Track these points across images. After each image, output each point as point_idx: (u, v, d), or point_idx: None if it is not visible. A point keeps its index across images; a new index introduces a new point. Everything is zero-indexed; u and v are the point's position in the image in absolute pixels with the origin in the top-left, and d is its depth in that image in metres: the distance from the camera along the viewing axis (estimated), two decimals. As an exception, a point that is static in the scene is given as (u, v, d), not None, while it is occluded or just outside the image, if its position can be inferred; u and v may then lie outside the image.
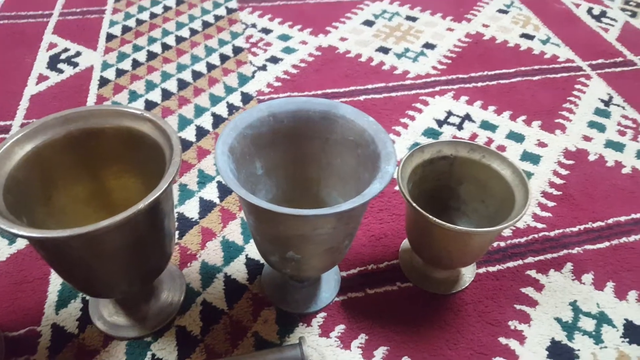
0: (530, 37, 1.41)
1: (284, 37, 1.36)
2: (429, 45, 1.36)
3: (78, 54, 1.27)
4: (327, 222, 0.59)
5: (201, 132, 1.06)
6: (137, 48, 1.30)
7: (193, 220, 0.89)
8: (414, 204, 0.68)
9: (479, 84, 1.23)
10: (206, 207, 0.92)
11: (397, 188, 0.96)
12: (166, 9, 1.47)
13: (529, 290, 0.81)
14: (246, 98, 1.15)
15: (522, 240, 0.88)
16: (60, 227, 0.51)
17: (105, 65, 1.24)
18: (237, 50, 1.30)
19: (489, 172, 0.75)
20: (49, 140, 0.63)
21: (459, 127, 1.11)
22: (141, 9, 1.46)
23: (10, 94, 1.15)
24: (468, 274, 0.82)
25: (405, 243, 0.87)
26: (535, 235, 0.89)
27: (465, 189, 0.79)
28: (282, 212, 0.55)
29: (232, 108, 1.12)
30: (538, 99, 1.19)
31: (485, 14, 1.51)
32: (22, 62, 1.24)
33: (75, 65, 1.24)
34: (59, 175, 0.66)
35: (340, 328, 0.75)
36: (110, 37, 1.34)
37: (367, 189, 0.60)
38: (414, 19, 1.47)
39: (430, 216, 0.67)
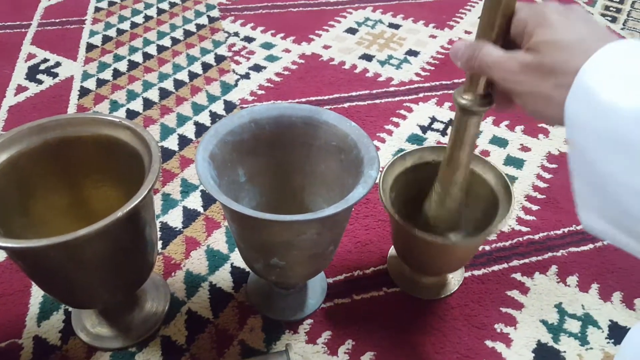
0: (511, 42, 1.41)
1: (267, 46, 1.36)
2: (412, 52, 1.36)
3: (58, 64, 1.26)
4: (311, 228, 0.59)
5: (184, 141, 1.05)
6: (118, 58, 1.30)
7: (177, 229, 0.88)
8: (397, 217, 0.67)
9: (462, 90, 1.23)
10: (190, 216, 0.91)
11: (381, 194, 0.96)
12: (147, 18, 1.46)
13: (514, 293, 0.81)
14: (229, 107, 1.15)
15: (507, 243, 0.88)
16: (38, 238, 0.50)
17: (86, 76, 1.23)
18: (219, 58, 1.30)
19: (472, 176, 0.75)
20: (24, 149, 0.62)
21: (443, 133, 1.11)
22: (122, 19, 1.45)
23: (-12, 105, 1.14)
24: (456, 277, 0.82)
25: (393, 249, 0.86)
26: (520, 239, 0.89)
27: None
28: (265, 218, 0.54)
29: (215, 117, 1.12)
30: (520, 103, 1.19)
31: (467, 21, 1.52)
32: (0, 73, 1.23)
33: (55, 75, 1.22)
34: (36, 186, 0.65)
35: (326, 334, 0.75)
36: (90, 47, 1.33)
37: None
38: (396, 27, 1.47)
39: (414, 229, 0.66)
